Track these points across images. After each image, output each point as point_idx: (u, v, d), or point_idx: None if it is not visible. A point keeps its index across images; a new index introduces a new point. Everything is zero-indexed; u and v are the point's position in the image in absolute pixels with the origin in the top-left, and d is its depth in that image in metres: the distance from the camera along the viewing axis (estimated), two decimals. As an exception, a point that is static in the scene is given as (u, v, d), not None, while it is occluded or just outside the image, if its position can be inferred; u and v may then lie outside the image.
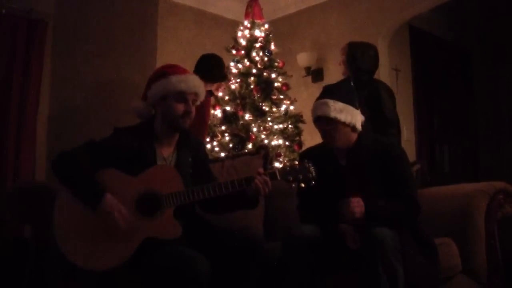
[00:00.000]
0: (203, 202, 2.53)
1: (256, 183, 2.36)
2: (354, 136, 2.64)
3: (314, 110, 2.64)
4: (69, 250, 2.26)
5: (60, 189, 2.37)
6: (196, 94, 2.54)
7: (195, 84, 2.54)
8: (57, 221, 2.31)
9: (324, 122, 2.60)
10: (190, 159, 2.60)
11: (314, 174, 2.39)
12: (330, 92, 2.63)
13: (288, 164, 2.44)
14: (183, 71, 2.57)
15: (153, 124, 2.56)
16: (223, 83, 4.81)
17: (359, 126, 2.62)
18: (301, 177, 2.39)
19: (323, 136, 2.68)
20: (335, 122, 2.56)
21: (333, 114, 2.54)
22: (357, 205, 2.40)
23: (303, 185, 2.41)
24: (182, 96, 2.49)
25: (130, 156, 2.43)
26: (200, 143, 2.78)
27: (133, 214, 2.32)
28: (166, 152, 2.55)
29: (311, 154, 2.78)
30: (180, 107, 2.48)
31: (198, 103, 2.59)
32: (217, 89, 4.66)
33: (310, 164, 2.40)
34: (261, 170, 2.42)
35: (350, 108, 2.58)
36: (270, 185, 2.39)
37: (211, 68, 4.42)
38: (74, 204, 2.32)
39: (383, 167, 2.56)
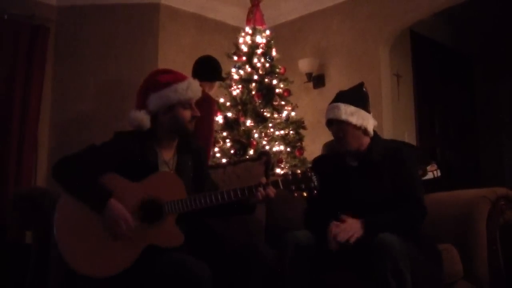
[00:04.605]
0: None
1: (257, 195, 2.37)
2: (366, 140, 2.67)
3: (326, 113, 2.69)
4: (71, 257, 2.25)
5: (61, 195, 2.35)
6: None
7: (198, 88, 2.56)
8: (58, 227, 2.29)
9: (335, 125, 2.64)
10: (190, 163, 2.60)
11: (316, 184, 2.39)
12: (342, 96, 2.69)
13: (290, 173, 2.43)
14: (183, 77, 2.56)
15: (153, 128, 2.54)
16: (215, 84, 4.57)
17: (370, 130, 2.65)
18: (303, 186, 2.40)
19: (334, 139, 2.71)
20: (346, 124, 2.60)
21: (344, 117, 2.58)
22: (343, 229, 2.39)
23: (305, 194, 2.41)
24: (188, 103, 2.50)
25: (132, 160, 2.42)
26: (200, 148, 2.76)
27: (135, 221, 2.31)
28: (167, 156, 2.54)
29: (323, 160, 2.85)
30: (188, 114, 2.50)
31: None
32: (210, 89, 4.42)
33: (312, 173, 2.41)
34: (263, 179, 2.42)
35: (361, 111, 2.62)
36: (273, 195, 2.40)
37: (205, 68, 4.37)
38: (76, 210, 2.31)
39: (392, 169, 2.58)
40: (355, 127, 2.60)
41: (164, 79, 2.53)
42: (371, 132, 2.67)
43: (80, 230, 2.29)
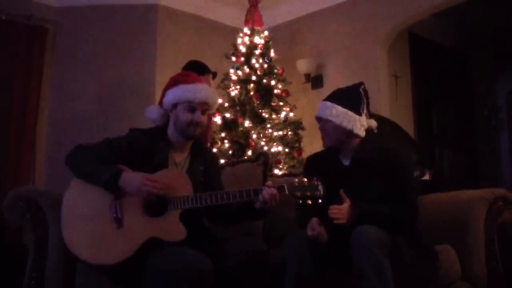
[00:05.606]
0: (211, 212, 2.57)
1: (263, 194, 2.38)
2: (354, 140, 2.68)
3: (317, 110, 2.75)
4: (73, 242, 2.31)
5: (70, 183, 2.42)
6: (205, 104, 2.56)
7: (204, 94, 2.55)
8: (64, 216, 2.35)
9: (320, 122, 2.71)
10: (202, 168, 2.63)
11: (322, 193, 2.40)
12: (334, 95, 2.74)
13: (297, 180, 2.43)
14: (193, 80, 2.59)
15: (166, 129, 2.61)
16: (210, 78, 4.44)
17: (358, 131, 2.64)
18: (308, 194, 2.40)
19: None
20: (328, 123, 2.65)
21: (326, 116, 2.65)
22: (339, 210, 2.43)
23: (310, 202, 2.41)
24: (190, 105, 2.52)
25: (143, 156, 2.48)
26: (214, 155, 2.83)
27: (140, 213, 2.36)
28: (179, 158, 2.59)
29: (317, 157, 2.87)
30: (188, 116, 2.51)
31: (211, 111, 2.65)
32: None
33: (319, 182, 2.41)
34: (270, 183, 2.44)
35: (348, 112, 2.63)
36: (278, 198, 2.40)
37: (191, 68, 4.34)
38: (83, 198, 2.38)
39: (385, 170, 2.58)
40: (339, 127, 2.63)
41: (177, 78, 2.63)
42: (360, 133, 2.66)
43: (85, 218, 2.35)
